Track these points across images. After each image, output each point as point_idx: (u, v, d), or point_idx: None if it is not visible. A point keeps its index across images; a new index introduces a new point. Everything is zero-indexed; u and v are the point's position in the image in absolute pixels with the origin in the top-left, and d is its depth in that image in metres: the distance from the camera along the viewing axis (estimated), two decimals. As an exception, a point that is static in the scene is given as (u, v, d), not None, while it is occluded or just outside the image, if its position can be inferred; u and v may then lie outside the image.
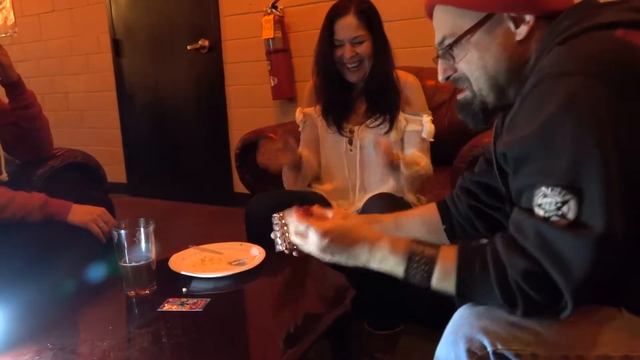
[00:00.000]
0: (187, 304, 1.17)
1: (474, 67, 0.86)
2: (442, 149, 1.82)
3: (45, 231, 1.49)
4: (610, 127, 0.65)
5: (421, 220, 1.10)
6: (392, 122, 1.69)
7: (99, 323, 1.17)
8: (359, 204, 1.66)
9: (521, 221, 0.71)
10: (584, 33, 0.73)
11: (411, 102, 1.72)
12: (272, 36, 3.03)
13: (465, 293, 0.76)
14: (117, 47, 3.88)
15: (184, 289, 1.24)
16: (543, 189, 0.68)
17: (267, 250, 1.41)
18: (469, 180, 1.05)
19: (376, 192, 1.66)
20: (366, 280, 1.44)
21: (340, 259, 0.89)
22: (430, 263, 0.78)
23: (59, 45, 4.14)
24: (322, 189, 1.80)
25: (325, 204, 1.77)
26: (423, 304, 1.44)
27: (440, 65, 0.90)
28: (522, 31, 0.82)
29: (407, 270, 0.80)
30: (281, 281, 1.42)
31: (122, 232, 1.21)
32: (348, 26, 1.64)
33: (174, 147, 3.86)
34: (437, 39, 0.89)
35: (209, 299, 1.19)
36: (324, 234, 0.88)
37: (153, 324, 1.13)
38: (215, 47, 3.44)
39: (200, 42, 3.48)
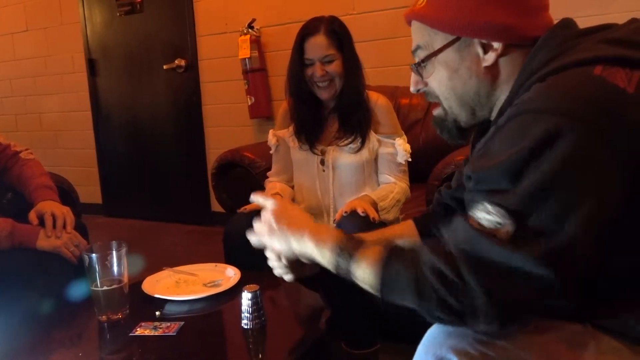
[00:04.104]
0: (161, 328, 1.15)
1: (443, 87, 0.88)
2: (417, 167, 1.85)
3: (14, 255, 1.45)
4: (582, 172, 0.65)
5: (400, 238, 1.11)
6: (363, 140, 1.71)
7: (70, 349, 1.15)
8: (333, 225, 1.66)
9: (457, 226, 0.73)
10: (563, 70, 0.73)
11: (382, 124, 1.74)
12: (248, 56, 3.05)
13: (387, 289, 0.77)
14: (92, 66, 3.86)
15: (157, 313, 1.23)
16: (487, 205, 0.69)
17: (242, 271, 1.40)
18: (446, 195, 1.07)
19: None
20: (342, 299, 1.45)
21: (285, 242, 0.94)
22: (356, 254, 0.81)
23: (33, 65, 4.09)
24: (299, 209, 1.81)
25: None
26: (400, 322, 1.44)
27: (413, 77, 0.92)
28: (489, 58, 0.83)
29: (330, 261, 0.85)
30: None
31: (94, 255, 1.19)
32: (318, 45, 1.66)
33: (150, 167, 3.82)
34: (412, 46, 0.92)
35: (182, 322, 1.17)
36: (277, 218, 0.95)
37: (125, 349, 1.11)
38: (192, 67, 3.45)
39: (176, 62, 3.48)
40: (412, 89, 0.93)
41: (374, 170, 1.76)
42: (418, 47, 0.90)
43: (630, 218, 0.69)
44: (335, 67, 1.67)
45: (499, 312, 0.67)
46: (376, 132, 1.73)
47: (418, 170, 1.87)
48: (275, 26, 3.09)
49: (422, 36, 0.88)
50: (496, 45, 0.82)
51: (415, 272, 0.73)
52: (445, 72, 0.86)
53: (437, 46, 0.86)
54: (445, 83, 0.87)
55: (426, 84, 0.91)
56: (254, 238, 1.02)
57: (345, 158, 1.72)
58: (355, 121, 1.71)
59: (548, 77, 0.74)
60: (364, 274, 0.80)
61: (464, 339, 0.73)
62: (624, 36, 0.76)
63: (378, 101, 1.75)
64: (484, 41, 0.83)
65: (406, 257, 0.77)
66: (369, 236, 1.12)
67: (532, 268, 0.65)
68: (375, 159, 1.75)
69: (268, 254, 1.02)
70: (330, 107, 1.76)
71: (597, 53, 0.72)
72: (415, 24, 0.90)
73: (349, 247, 0.83)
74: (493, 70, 0.84)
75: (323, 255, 0.87)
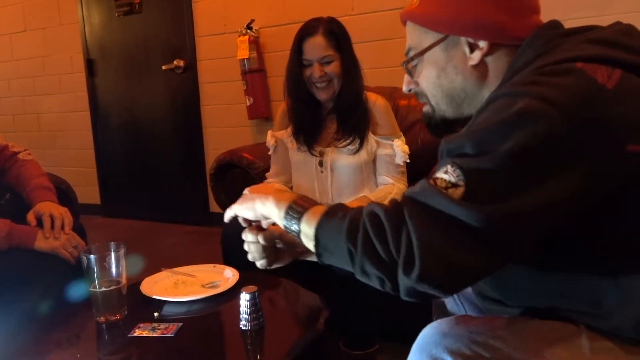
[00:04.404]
0: (159, 329, 1.15)
1: (431, 85, 0.90)
2: (415, 168, 1.85)
3: (12, 256, 1.45)
4: (545, 154, 0.66)
5: None
6: (362, 141, 1.71)
7: (68, 350, 1.14)
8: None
9: (417, 184, 0.73)
10: (546, 67, 0.74)
11: (381, 125, 1.74)
12: (247, 56, 3.05)
13: (322, 236, 0.79)
14: (91, 66, 3.86)
15: (155, 314, 1.22)
16: (448, 166, 0.69)
17: (241, 272, 1.40)
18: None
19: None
20: (341, 299, 1.45)
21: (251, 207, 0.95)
22: (302, 211, 0.83)
23: (31, 65, 4.09)
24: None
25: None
26: (398, 322, 1.45)
27: (405, 78, 0.95)
28: (475, 56, 0.85)
29: (284, 217, 0.85)
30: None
31: (92, 256, 1.19)
32: (316, 46, 1.66)
33: (149, 167, 3.82)
34: (406, 48, 0.94)
35: (181, 324, 1.17)
36: (250, 190, 0.97)
37: (123, 350, 1.11)
38: (191, 67, 3.45)
39: (175, 62, 3.48)
40: (404, 89, 0.96)
41: (372, 172, 1.76)
42: (409, 49, 0.92)
43: (605, 217, 0.70)
44: (333, 68, 1.68)
45: (426, 259, 0.66)
46: (374, 133, 1.73)
47: (416, 171, 1.87)
48: (273, 27, 3.09)
49: (413, 36, 0.91)
50: (482, 44, 0.84)
51: (351, 217, 0.75)
52: (434, 70, 0.89)
53: (426, 45, 0.88)
54: (433, 81, 0.89)
55: (417, 84, 0.93)
56: (227, 214, 1.03)
57: (343, 159, 1.72)
58: (353, 122, 1.71)
59: None
60: (306, 227, 0.81)
61: (458, 340, 0.73)
62: (607, 36, 0.77)
63: (376, 102, 1.75)
64: (470, 40, 0.84)
65: (348, 209, 0.78)
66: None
67: (468, 219, 0.65)
68: (374, 160, 1.75)
69: (244, 236, 1.04)
70: (329, 108, 1.76)
71: (579, 52, 0.74)
72: (408, 25, 0.92)
73: (300, 205, 0.85)
74: (480, 69, 0.85)
75: (279, 215, 0.87)
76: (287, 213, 0.85)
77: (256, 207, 0.94)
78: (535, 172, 0.66)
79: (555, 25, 0.84)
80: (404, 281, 0.68)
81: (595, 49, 0.74)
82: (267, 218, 0.93)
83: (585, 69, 0.70)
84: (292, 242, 1.05)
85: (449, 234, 0.66)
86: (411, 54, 0.91)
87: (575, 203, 0.68)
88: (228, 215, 1.03)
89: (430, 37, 0.87)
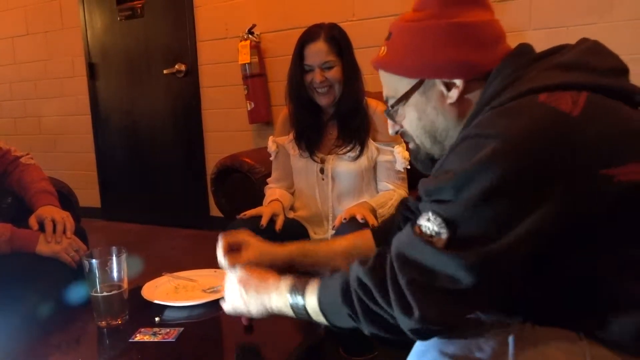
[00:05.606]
0: (160, 334, 1.16)
1: (414, 127, 0.93)
2: (415, 175, 1.84)
3: (14, 260, 1.45)
4: (518, 193, 0.68)
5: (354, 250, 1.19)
6: (362, 147, 1.72)
7: (69, 355, 1.15)
8: (333, 232, 1.67)
9: (404, 232, 0.77)
10: (512, 101, 0.76)
11: (381, 132, 1.75)
12: (248, 61, 3.06)
13: (326, 308, 0.85)
14: (92, 70, 3.87)
15: (156, 319, 1.23)
16: (430, 213, 0.72)
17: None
18: (412, 205, 1.11)
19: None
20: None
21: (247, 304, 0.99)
22: (305, 290, 0.89)
23: (33, 69, 4.10)
24: (298, 215, 1.81)
25: (303, 231, 1.78)
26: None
27: (389, 122, 0.98)
28: (453, 94, 0.86)
29: (289, 296, 0.91)
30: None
31: (93, 261, 1.20)
32: (318, 51, 1.67)
33: (149, 171, 3.82)
34: (384, 96, 0.97)
35: (182, 328, 1.17)
36: (241, 283, 1.00)
37: (124, 355, 1.11)
38: (192, 71, 3.46)
39: (176, 66, 3.49)
40: (390, 132, 1.00)
41: (372, 178, 1.77)
42: (387, 98, 0.95)
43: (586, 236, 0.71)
44: (334, 74, 1.68)
45: (421, 302, 0.70)
46: (374, 140, 1.74)
47: (417, 177, 1.86)
48: (275, 32, 3.10)
49: (388, 86, 0.94)
50: (458, 82, 0.86)
51: (342, 282, 0.81)
52: (415, 113, 0.91)
53: (403, 91, 0.90)
54: (415, 124, 0.92)
55: (402, 126, 0.96)
56: (228, 307, 1.05)
57: (344, 166, 1.73)
58: (354, 128, 1.72)
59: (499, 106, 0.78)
60: (310, 303, 0.87)
61: (456, 343, 0.74)
62: (570, 60, 0.79)
63: (377, 108, 1.75)
64: (445, 80, 0.86)
65: (338, 275, 0.84)
66: (321, 251, 1.21)
67: (454, 271, 0.68)
68: (374, 167, 1.76)
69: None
70: (330, 114, 1.77)
71: (543, 82, 0.76)
72: (382, 72, 0.95)
73: (299, 284, 0.90)
74: (459, 106, 0.87)
75: (285, 298, 0.92)
76: (290, 293, 0.91)
77: (261, 303, 0.97)
78: (510, 214, 0.69)
79: (522, 51, 0.85)
80: (408, 324, 0.71)
81: (560, 76, 0.76)
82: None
83: (548, 101, 0.72)
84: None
85: (439, 281, 0.69)
86: (390, 102, 0.94)
87: (557, 230, 0.70)
88: (245, 320, 1.09)
89: (405, 83, 0.90)
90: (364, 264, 0.78)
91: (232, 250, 1.18)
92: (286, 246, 1.19)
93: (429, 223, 0.72)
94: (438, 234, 0.71)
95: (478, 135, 0.74)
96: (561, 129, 0.70)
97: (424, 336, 0.74)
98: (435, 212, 0.72)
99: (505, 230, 0.68)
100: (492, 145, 0.70)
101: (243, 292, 0.99)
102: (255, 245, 1.19)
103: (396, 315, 0.72)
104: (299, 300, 0.89)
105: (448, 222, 0.70)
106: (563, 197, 0.68)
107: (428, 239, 0.71)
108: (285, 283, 0.93)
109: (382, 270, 0.75)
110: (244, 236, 1.21)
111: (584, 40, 0.83)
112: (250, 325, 1.10)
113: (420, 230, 0.73)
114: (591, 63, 0.78)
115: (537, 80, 0.77)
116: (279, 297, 0.93)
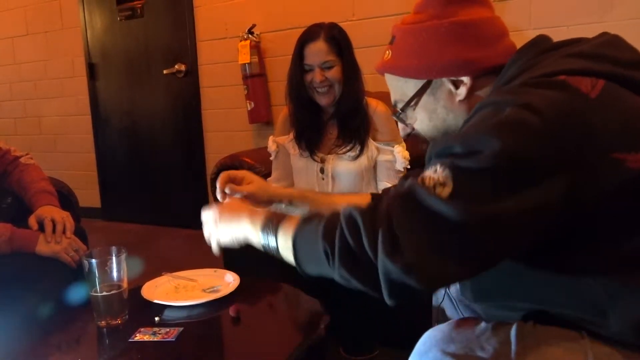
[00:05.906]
0: (160, 334, 1.15)
1: (426, 128, 0.93)
2: (415, 173, 1.85)
3: (14, 260, 1.45)
4: (530, 162, 0.67)
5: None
6: (362, 147, 1.72)
7: (69, 355, 1.15)
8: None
9: (405, 182, 0.75)
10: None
11: (381, 131, 1.75)
12: (248, 61, 3.06)
13: (300, 240, 0.82)
14: (92, 71, 3.87)
15: (156, 318, 1.22)
16: (437, 165, 0.71)
17: (241, 277, 1.40)
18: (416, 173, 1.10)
19: None
20: (341, 304, 1.45)
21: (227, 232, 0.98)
22: (278, 223, 0.86)
23: (33, 69, 4.10)
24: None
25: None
26: (398, 327, 1.45)
27: (400, 126, 0.98)
28: (461, 92, 0.87)
29: (260, 233, 0.88)
30: (255, 308, 1.41)
31: (93, 261, 1.19)
32: (318, 51, 1.67)
33: (149, 171, 3.82)
34: (392, 100, 0.97)
35: (182, 328, 1.17)
36: (219, 209, 1.00)
37: (124, 355, 1.11)
38: (192, 71, 3.46)
39: (176, 67, 3.49)
40: (401, 135, 1.00)
41: (372, 178, 1.76)
42: (396, 102, 0.95)
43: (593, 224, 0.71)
44: (334, 73, 1.68)
45: (411, 249, 0.67)
46: (374, 139, 1.74)
47: (417, 177, 1.87)
48: (275, 32, 3.10)
49: (396, 90, 0.94)
50: (465, 79, 0.86)
51: (328, 219, 0.78)
52: (425, 114, 0.91)
53: (411, 93, 0.90)
54: (427, 124, 0.92)
55: (413, 128, 0.96)
56: (214, 247, 1.04)
57: (344, 166, 1.73)
58: (354, 127, 1.72)
59: None
60: (283, 239, 0.84)
61: (458, 343, 0.74)
62: (588, 50, 0.78)
63: (377, 108, 1.75)
64: (452, 78, 0.87)
65: (323, 214, 0.81)
66: (321, 201, 1.20)
67: (453, 224, 0.66)
68: (374, 167, 1.76)
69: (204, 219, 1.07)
70: (330, 113, 1.77)
71: (562, 66, 0.75)
72: (388, 78, 0.95)
73: (274, 220, 0.87)
74: (469, 102, 0.88)
75: (256, 233, 0.90)
76: (263, 229, 0.88)
77: (234, 233, 0.96)
78: (519, 178, 0.67)
79: (538, 41, 0.85)
80: (388, 271, 0.68)
81: (577, 62, 0.76)
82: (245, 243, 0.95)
83: (568, 80, 0.72)
84: None
85: (435, 227, 0.68)
86: (399, 106, 0.94)
87: (560, 210, 0.69)
88: (215, 248, 1.05)
89: (412, 85, 0.90)
90: (358, 206, 0.76)
91: (233, 182, 1.19)
92: (287, 189, 1.18)
93: (435, 174, 0.70)
94: (443, 184, 0.69)
95: (497, 102, 0.73)
96: (578, 105, 0.70)
97: (395, 291, 0.70)
98: (443, 164, 0.70)
99: (511, 194, 0.67)
100: (508, 110, 0.69)
101: (217, 218, 1.00)
102: (256, 181, 1.20)
103: (379, 259, 0.69)
104: (271, 230, 0.87)
105: (455, 174, 0.68)
106: (571, 174, 0.68)
107: (430, 188, 0.69)
108: (262, 214, 0.92)
109: (376, 211, 0.72)
110: (246, 172, 1.22)
111: (604, 34, 0.83)
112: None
113: (424, 181, 0.71)
114: (610, 54, 0.77)
115: (554, 65, 0.76)
116: (252, 227, 0.92)
